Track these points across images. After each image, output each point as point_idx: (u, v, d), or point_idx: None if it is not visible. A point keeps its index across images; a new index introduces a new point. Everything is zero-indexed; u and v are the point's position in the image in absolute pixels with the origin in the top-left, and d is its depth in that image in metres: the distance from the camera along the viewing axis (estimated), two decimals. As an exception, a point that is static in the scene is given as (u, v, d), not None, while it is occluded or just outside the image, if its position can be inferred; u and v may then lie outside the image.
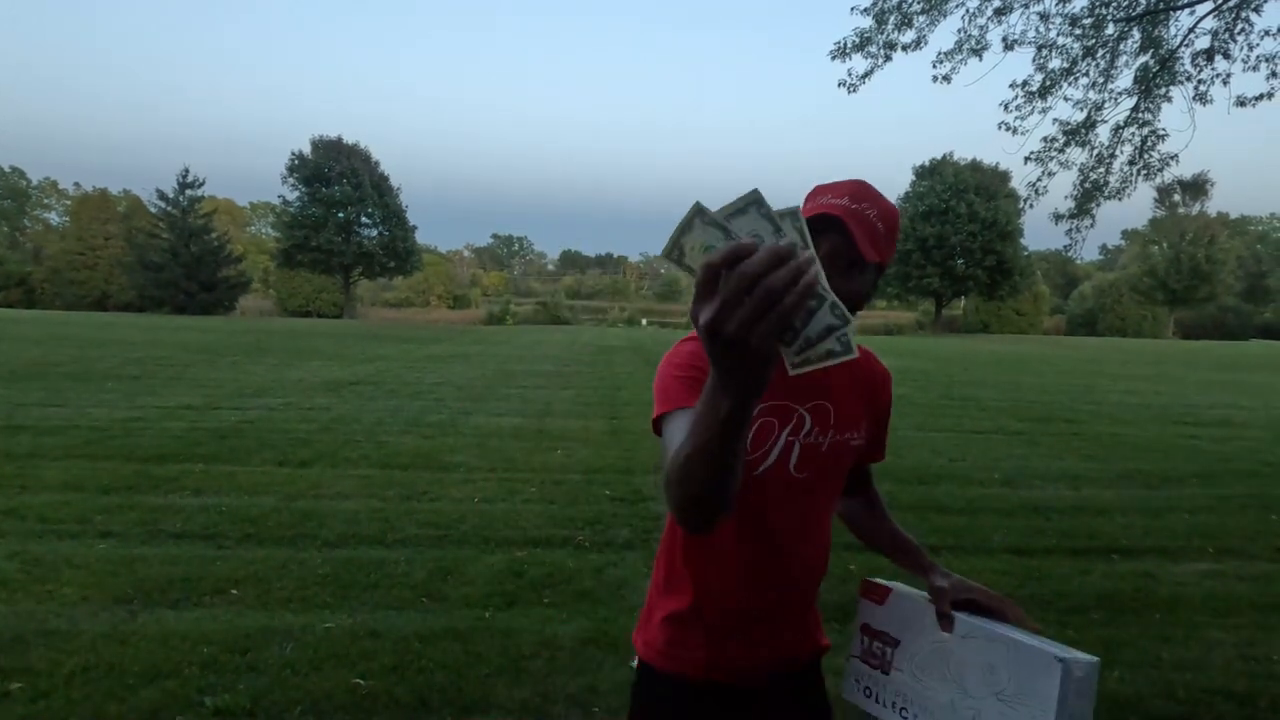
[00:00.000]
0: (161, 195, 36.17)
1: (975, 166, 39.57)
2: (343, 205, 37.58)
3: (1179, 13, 6.07)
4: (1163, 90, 6.37)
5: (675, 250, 0.58)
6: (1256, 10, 5.84)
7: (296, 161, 38.04)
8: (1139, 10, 6.05)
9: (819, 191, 1.05)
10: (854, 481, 1.28)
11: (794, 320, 0.53)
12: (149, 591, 3.20)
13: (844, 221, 0.96)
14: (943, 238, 37.54)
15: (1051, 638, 0.95)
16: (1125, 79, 6.48)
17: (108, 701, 2.37)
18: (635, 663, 1.20)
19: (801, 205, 1.01)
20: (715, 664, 1.13)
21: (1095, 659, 0.89)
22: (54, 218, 58.47)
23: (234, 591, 3.23)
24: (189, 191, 36.49)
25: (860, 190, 1.02)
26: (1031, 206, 7.07)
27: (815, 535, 1.15)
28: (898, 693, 1.09)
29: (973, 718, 0.97)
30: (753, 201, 0.57)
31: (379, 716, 2.36)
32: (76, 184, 60.45)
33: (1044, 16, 6.20)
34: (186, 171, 36.37)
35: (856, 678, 1.16)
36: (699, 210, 0.57)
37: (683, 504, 0.80)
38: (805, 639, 1.20)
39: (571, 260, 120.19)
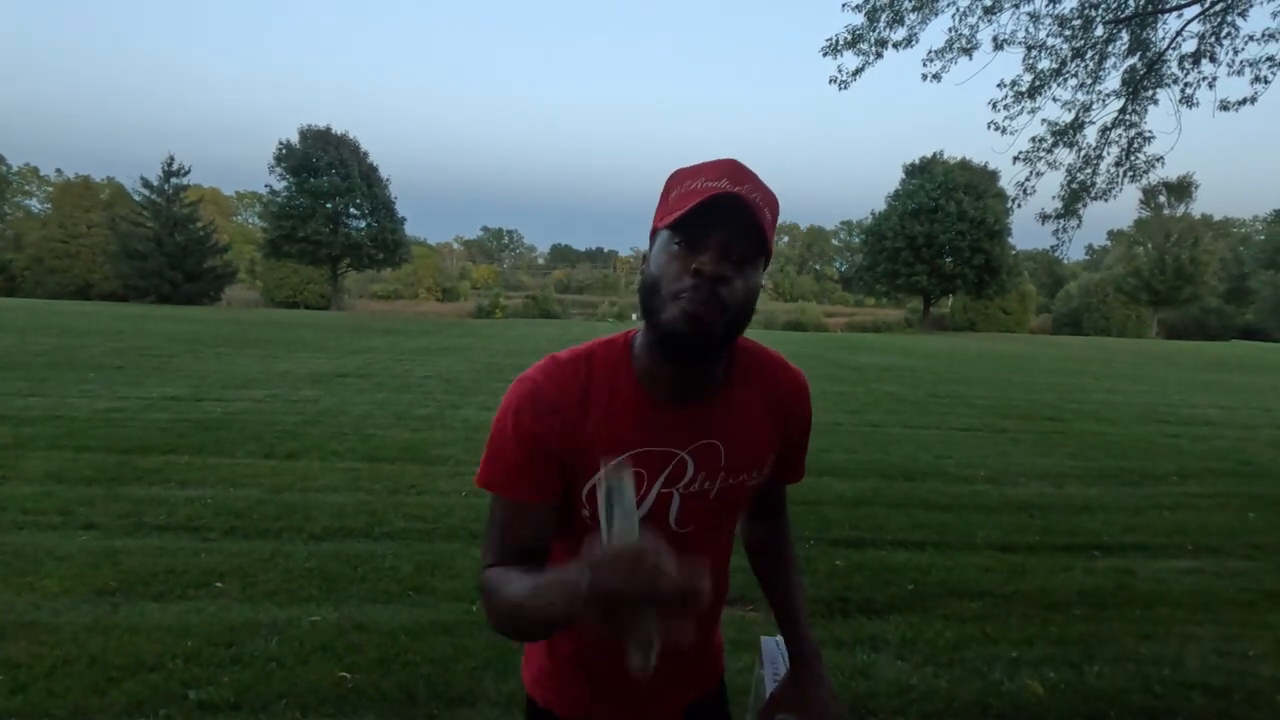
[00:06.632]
0: (146, 183, 35.58)
1: (964, 165, 39.76)
2: (331, 196, 37.17)
3: (1166, 16, 6.13)
4: (1150, 92, 6.44)
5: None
6: (1242, 15, 5.91)
7: (284, 151, 37.58)
8: (1127, 12, 6.11)
9: (685, 175, 0.84)
10: (764, 504, 1.10)
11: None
12: (132, 584, 3.17)
13: (746, 203, 0.78)
14: (931, 236, 37.73)
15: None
16: (1113, 81, 6.56)
17: (89, 694, 2.35)
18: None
19: (662, 191, 0.87)
20: (588, 709, 1.03)
21: None
22: (35, 205, 57.40)
23: (219, 584, 3.21)
24: (174, 180, 35.93)
25: (738, 171, 0.82)
26: (1019, 206, 7.14)
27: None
28: None
29: None
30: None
31: (365, 710, 2.36)
32: (58, 170, 59.41)
33: (1034, 17, 6.25)
34: (171, 159, 35.78)
35: None
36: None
37: (504, 634, 0.83)
38: (690, 689, 1.08)
39: (562, 254, 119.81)
